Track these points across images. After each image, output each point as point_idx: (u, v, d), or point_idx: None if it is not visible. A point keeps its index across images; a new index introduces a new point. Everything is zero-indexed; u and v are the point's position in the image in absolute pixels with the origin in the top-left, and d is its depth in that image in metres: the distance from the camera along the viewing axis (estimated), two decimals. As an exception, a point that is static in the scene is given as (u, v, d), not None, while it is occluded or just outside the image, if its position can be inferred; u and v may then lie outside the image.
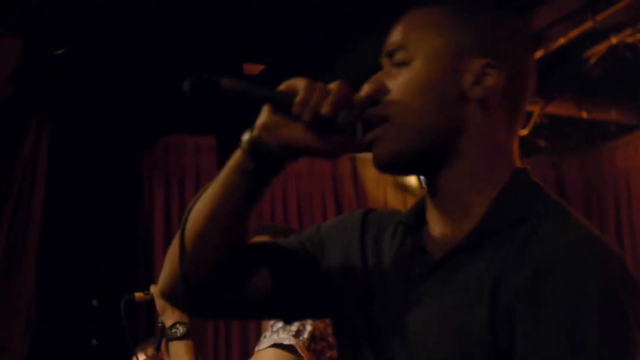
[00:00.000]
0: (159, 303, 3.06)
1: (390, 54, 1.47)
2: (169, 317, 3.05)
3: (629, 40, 4.42)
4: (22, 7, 4.35)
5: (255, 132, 1.44)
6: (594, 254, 1.29)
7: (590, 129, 6.16)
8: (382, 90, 1.44)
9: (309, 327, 2.90)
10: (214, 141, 5.65)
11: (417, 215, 1.52)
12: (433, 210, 1.48)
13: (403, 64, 1.44)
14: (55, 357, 5.06)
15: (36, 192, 5.15)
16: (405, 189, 6.43)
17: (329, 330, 2.93)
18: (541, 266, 1.28)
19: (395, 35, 1.47)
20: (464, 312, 1.34)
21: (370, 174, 6.33)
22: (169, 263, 1.54)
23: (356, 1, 4.10)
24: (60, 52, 4.66)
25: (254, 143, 1.44)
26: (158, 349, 3.13)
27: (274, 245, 1.62)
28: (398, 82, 1.43)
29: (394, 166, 1.47)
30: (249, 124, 1.47)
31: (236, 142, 1.48)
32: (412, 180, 6.40)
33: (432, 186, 1.47)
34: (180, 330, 3.01)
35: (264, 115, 1.44)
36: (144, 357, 3.97)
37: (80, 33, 4.62)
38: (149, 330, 5.32)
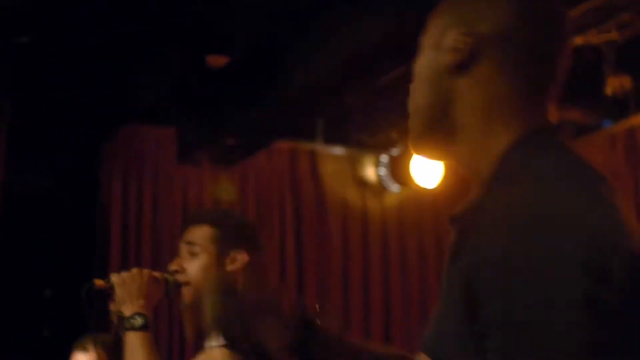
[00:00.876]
0: (119, 292, 2.98)
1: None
2: (128, 307, 2.96)
3: (594, 41, 4.44)
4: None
5: None
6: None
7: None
8: None
9: None
10: (174, 132, 5.59)
11: None
12: None
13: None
14: (7, 347, 5.00)
15: (-8, 181, 5.10)
16: (364, 184, 6.42)
17: None
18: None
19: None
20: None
21: (329, 170, 6.31)
22: None
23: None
24: (24, 40, 4.62)
25: None
26: (117, 340, 3.04)
27: None
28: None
29: (420, 151, 1.53)
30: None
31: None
32: (371, 176, 6.38)
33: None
34: (139, 321, 2.92)
35: None
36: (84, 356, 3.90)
37: (39, 21, 4.58)
38: (101, 321, 5.27)
